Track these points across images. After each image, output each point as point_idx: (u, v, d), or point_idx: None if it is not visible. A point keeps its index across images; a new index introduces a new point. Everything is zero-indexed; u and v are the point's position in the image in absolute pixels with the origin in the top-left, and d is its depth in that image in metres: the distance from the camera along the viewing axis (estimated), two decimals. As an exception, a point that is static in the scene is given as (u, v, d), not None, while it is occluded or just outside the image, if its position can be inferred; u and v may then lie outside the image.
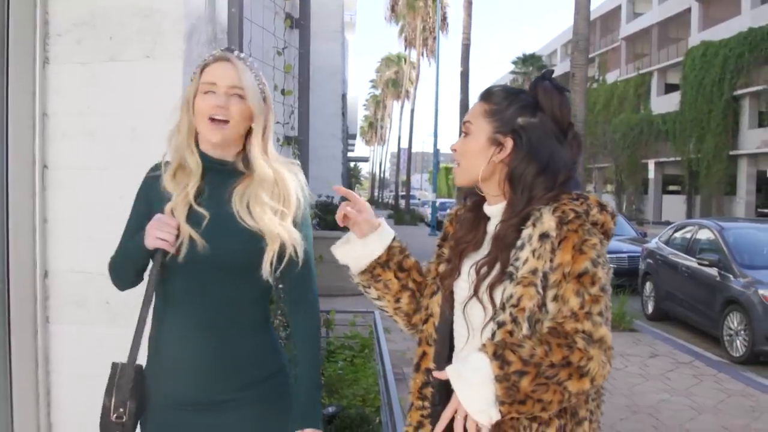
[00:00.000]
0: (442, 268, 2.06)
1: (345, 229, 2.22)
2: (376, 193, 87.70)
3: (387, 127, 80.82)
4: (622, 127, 47.04)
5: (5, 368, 3.18)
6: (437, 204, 34.88)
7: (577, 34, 10.93)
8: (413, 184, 72.25)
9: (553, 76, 2.01)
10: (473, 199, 2.05)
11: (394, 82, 69.96)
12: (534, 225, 1.81)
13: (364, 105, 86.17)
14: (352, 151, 43.76)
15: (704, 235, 11.07)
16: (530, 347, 1.67)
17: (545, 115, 1.91)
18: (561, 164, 1.89)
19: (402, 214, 42.45)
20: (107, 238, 3.24)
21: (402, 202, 52.65)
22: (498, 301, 1.83)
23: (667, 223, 29.05)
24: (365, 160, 69.37)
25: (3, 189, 3.15)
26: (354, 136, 37.80)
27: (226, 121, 2.15)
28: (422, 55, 54.92)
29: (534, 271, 1.77)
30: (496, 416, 1.68)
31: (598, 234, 1.81)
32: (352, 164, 53.73)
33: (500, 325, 1.79)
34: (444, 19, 49.64)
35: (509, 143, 1.90)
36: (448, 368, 1.76)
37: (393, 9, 54.50)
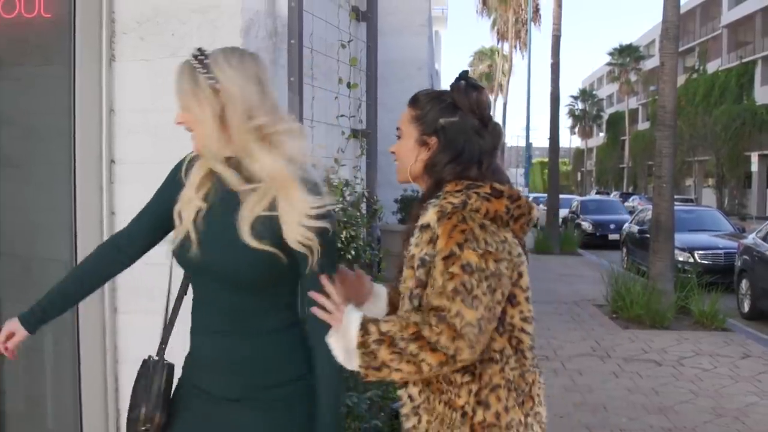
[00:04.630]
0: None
1: None
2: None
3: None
4: (723, 119, 45.24)
5: (74, 357, 3.30)
6: (530, 199, 34.40)
7: (666, 21, 10.58)
8: (507, 179, 71.58)
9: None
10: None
11: (487, 75, 69.42)
12: (421, 217, 2.05)
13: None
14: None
15: (804, 230, 10.59)
16: (392, 323, 1.95)
17: (464, 112, 2.12)
18: (476, 153, 2.09)
19: (494, 209, 41.98)
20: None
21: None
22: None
23: (772, 218, 27.90)
24: (458, 154, 68.98)
25: (71, 183, 3.27)
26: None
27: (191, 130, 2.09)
28: (515, 47, 54.40)
29: (413, 257, 2.03)
30: (354, 366, 1.98)
31: (479, 219, 1.97)
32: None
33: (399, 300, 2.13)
34: (536, 10, 49.03)
35: (433, 142, 2.12)
36: (349, 314, 2.01)
37: (485, 2, 54.13)
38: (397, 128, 2.22)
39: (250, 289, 2.08)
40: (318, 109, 4.00)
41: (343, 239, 4.01)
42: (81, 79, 3.25)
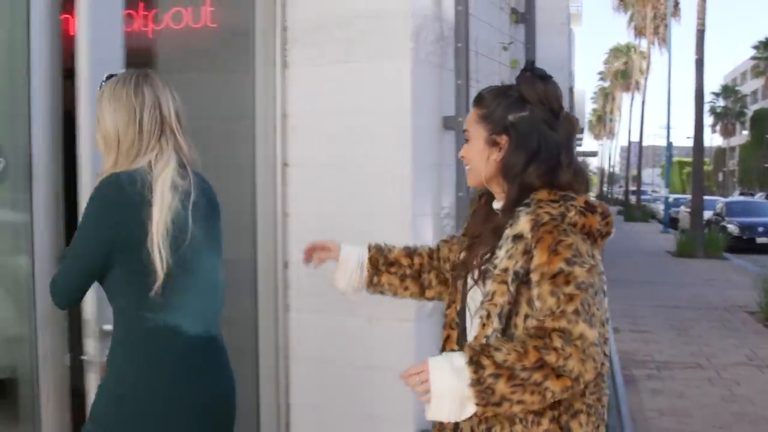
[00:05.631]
0: (463, 255, 2.18)
1: None
2: (604, 189, 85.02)
3: (616, 121, 78.25)
4: None
5: (254, 353, 3.44)
6: (670, 200, 33.07)
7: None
8: (644, 179, 69.26)
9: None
10: (486, 194, 2.16)
11: (623, 73, 67.46)
12: (511, 226, 1.93)
13: (592, 98, 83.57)
14: (580, 145, 42.73)
15: None
16: (506, 351, 1.79)
17: (533, 105, 2.01)
18: (553, 148, 1.99)
19: (632, 211, 40.75)
20: (340, 232, 3.41)
21: (632, 198, 50.54)
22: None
23: None
24: (593, 154, 67.13)
25: (252, 185, 3.42)
26: (582, 131, 36.89)
27: None
28: (653, 43, 52.65)
29: (505, 270, 1.90)
30: (469, 413, 1.81)
31: (579, 234, 1.89)
32: (579, 159, 52.51)
33: (480, 318, 1.94)
34: (676, 5, 47.16)
35: (504, 140, 2.02)
36: (431, 360, 1.87)
37: (622, -2, 52.68)
38: (464, 130, 2.14)
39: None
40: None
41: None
42: (259, 84, 3.40)
